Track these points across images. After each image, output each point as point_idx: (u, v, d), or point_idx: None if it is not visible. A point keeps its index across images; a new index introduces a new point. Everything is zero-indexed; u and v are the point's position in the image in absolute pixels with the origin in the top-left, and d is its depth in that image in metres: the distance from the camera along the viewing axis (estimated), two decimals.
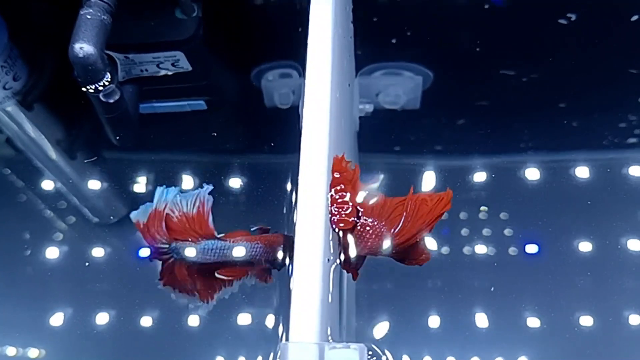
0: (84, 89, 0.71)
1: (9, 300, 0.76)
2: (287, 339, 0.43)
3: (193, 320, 0.72)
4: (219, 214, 0.69)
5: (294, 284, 0.45)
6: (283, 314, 0.70)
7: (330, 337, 0.46)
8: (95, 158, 0.82)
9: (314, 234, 0.48)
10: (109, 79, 0.70)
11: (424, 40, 0.91)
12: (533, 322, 0.71)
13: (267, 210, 0.76)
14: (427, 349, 0.71)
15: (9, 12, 0.81)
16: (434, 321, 0.72)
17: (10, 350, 0.72)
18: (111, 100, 0.73)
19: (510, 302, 0.73)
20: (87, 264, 0.76)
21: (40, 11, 0.88)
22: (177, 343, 0.72)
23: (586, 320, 0.71)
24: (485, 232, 0.77)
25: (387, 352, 0.67)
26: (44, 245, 0.78)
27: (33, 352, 0.72)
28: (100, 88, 0.70)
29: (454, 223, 0.77)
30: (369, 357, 0.55)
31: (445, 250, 0.76)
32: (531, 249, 0.75)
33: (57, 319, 0.73)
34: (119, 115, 0.76)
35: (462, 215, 0.78)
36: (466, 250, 0.76)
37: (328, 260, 0.49)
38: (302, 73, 0.62)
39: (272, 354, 0.68)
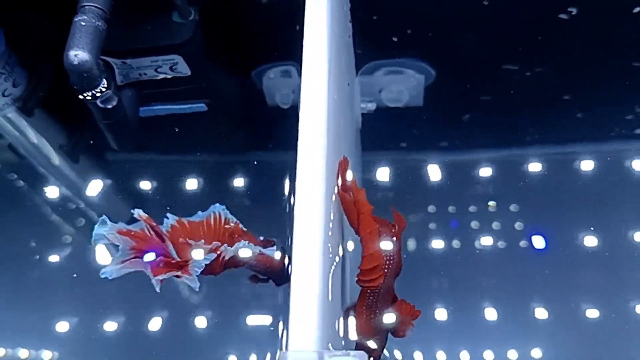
0: (80, 97, 0.71)
1: (16, 304, 0.76)
2: (287, 348, 0.43)
3: (199, 323, 0.72)
4: None
5: (293, 292, 0.45)
6: (284, 319, 0.70)
7: (330, 346, 0.46)
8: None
9: (312, 239, 0.47)
10: (105, 85, 0.70)
11: (425, 37, 0.91)
12: (541, 314, 0.71)
13: (270, 209, 0.75)
14: (438, 343, 0.71)
15: (6, 19, 0.82)
16: (443, 315, 0.72)
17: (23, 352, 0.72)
18: (109, 106, 0.73)
19: (519, 294, 0.73)
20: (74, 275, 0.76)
21: (38, 18, 0.88)
22: (182, 346, 0.73)
23: (595, 312, 0.71)
24: (494, 225, 0.77)
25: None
26: (49, 250, 0.78)
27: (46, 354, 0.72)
28: (97, 95, 0.70)
29: (463, 217, 0.78)
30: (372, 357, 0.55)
31: (455, 244, 0.76)
32: (539, 241, 0.75)
33: (65, 323, 0.73)
34: (117, 121, 0.76)
35: (471, 209, 0.78)
36: (475, 244, 0.76)
37: (332, 266, 0.49)
38: (300, 73, 0.61)
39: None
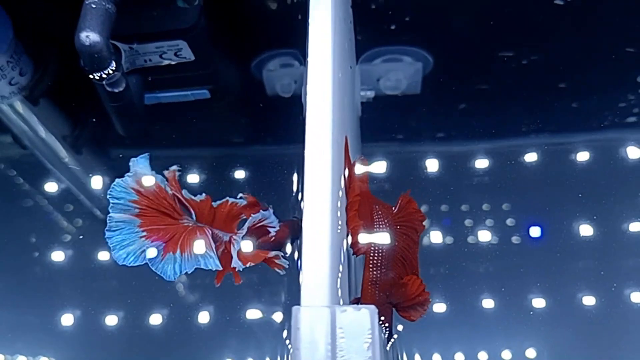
0: (90, 76, 0.72)
1: (18, 300, 0.77)
2: (299, 304, 0.44)
3: (203, 317, 0.73)
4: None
5: (304, 249, 0.46)
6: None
7: (341, 300, 0.47)
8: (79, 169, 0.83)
9: (323, 200, 0.48)
10: (114, 67, 0.71)
11: (423, 25, 0.92)
12: (538, 304, 0.72)
13: (272, 196, 0.76)
14: (434, 335, 0.72)
15: (13, 8, 0.82)
16: (441, 307, 0.73)
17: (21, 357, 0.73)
18: (116, 90, 0.74)
19: (514, 286, 0.74)
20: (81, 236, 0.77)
21: (44, 6, 0.89)
22: (186, 339, 0.73)
23: (590, 301, 0.72)
24: (488, 216, 0.78)
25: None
26: (52, 242, 0.79)
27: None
28: (105, 76, 0.71)
29: (459, 207, 0.79)
30: (380, 322, 0.56)
31: (448, 240, 0.77)
32: (534, 232, 0.76)
33: (67, 319, 0.74)
34: (124, 105, 0.77)
35: (466, 199, 0.79)
36: (472, 233, 0.77)
37: (338, 229, 0.50)
38: (303, 61, 0.63)
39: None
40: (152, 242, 0.62)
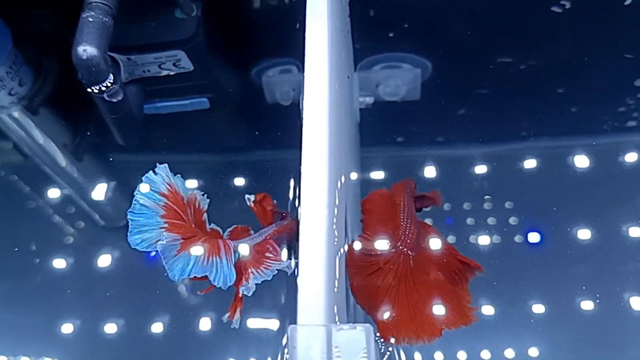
0: (88, 90, 0.72)
1: (19, 307, 0.76)
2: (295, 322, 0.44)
3: (204, 324, 0.73)
4: (223, 211, 0.70)
5: (300, 268, 0.46)
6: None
7: (337, 319, 0.47)
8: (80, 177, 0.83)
9: (319, 218, 0.48)
10: (112, 80, 0.71)
11: (422, 32, 0.92)
12: (538, 309, 0.72)
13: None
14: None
15: (12, 18, 0.82)
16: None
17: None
18: (115, 100, 0.74)
19: (515, 290, 0.73)
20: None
21: (43, 17, 0.89)
22: (187, 345, 0.73)
23: (590, 305, 0.72)
24: (490, 221, 0.77)
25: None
26: (53, 250, 0.79)
27: None
28: (104, 89, 0.71)
29: (458, 213, 0.78)
30: (376, 338, 0.56)
31: (450, 239, 0.76)
32: (534, 236, 0.76)
33: (68, 325, 0.74)
34: (123, 116, 0.77)
35: (466, 205, 0.79)
36: (471, 239, 0.76)
37: (334, 243, 0.50)
38: (301, 69, 0.63)
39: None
40: (170, 236, 0.61)
